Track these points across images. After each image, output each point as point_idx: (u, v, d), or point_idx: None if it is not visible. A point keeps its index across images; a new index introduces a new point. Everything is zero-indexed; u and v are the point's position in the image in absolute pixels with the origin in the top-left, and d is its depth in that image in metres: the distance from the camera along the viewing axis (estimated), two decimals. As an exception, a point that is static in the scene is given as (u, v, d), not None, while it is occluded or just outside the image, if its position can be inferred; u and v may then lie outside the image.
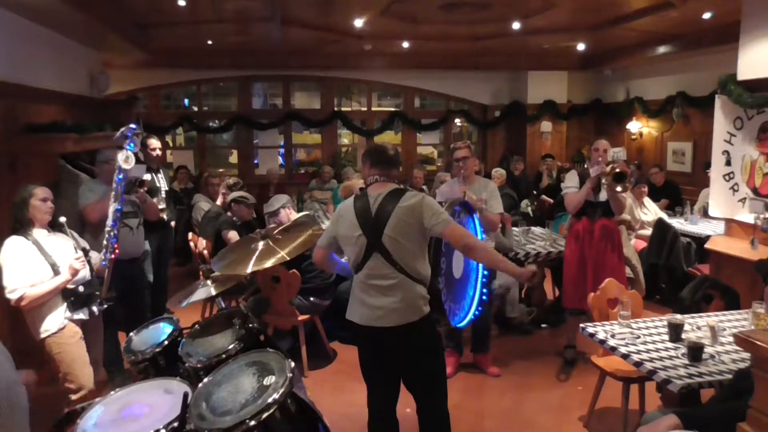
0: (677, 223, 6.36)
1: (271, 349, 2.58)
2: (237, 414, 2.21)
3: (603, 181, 4.30)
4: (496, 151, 10.50)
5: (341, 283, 5.02)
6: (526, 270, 2.82)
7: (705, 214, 6.35)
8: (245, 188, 6.16)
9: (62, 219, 3.38)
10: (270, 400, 2.20)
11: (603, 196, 4.44)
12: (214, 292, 3.37)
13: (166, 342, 3.01)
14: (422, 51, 8.83)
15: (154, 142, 5.58)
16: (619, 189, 4.26)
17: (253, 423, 2.14)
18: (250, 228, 5.41)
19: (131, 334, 3.18)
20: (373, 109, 10.57)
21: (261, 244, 3.49)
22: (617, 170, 4.21)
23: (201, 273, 3.83)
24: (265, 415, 2.16)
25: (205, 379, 2.50)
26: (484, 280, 3.42)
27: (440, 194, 4.41)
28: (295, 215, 5.10)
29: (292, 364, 2.40)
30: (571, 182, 4.63)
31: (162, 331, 3.17)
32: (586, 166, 4.67)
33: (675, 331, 3.12)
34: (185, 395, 2.24)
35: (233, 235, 5.20)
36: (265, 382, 2.33)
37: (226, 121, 9.70)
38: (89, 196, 4.16)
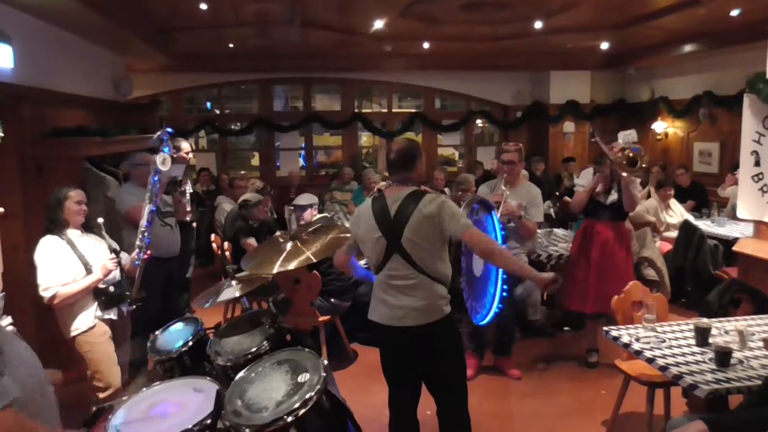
0: (704, 225, 6.23)
1: (302, 348, 2.64)
2: (274, 410, 2.29)
3: (613, 162, 4.22)
4: (517, 152, 10.40)
5: (361, 286, 5.02)
6: (546, 275, 2.79)
7: (732, 215, 6.22)
8: (271, 190, 6.18)
9: (100, 220, 3.45)
10: (307, 396, 2.29)
11: (612, 198, 4.37)
12: (238, 293, 3.39)
13: (191, 341, 3.04)
14: (442, 52, 8.80)
15: (186, 146, 5.68)
16: (624, 173, 4.21)
17: (290, 419, 2.23)
18: (268, 227, 5.46)
19: (156, 333, 3.23)
20: (393, 110, 10.57)
21: (289, 245, 3.49)
22: (630, 155, 4.15)
23: (224, 274, 3.86)
24: (302, 411, 2.25)
25: (237, 377, 2.57)
26: (504, 276, 3.40)
27: (480, 193, 4.38)
28: (317, 217, 5.14)
29: (325, 361, 2.46)
30: (584, 180, 4.56)
31: (186, 330, 3.20)
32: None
33: (702, 336, 3.05)
34: (218, 393, 2.29)
35: (252, 241, 5.26)
36: (299, 380, 2.42)
37: (248, 123, 9.78)
38: (130, 199, 4.23)
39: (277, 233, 3.78)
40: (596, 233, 4.43)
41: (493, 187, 4.45)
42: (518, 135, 10.41)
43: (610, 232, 4.42)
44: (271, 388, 2.41)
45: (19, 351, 1.71)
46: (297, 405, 2.25)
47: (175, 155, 5.70)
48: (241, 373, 2.57)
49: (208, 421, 2.21)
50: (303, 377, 2.41)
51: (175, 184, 4.55)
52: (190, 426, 2.19)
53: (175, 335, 3.20)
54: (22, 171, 4.20)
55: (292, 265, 3.28)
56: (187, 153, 5.60)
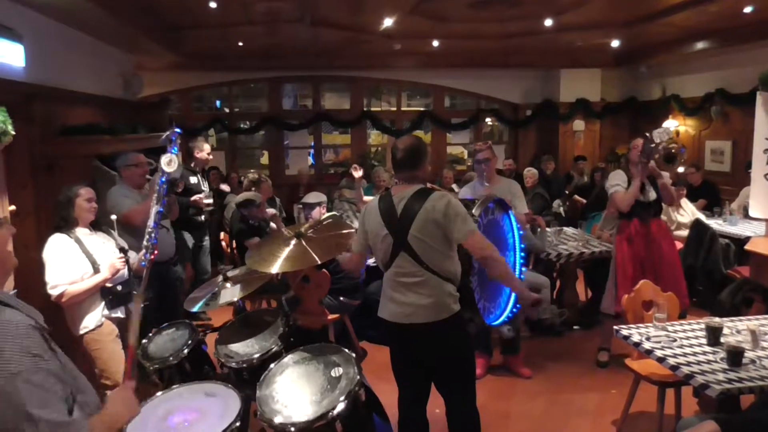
0: (715, 224, 6.18)
1: (324, 343, 2.65)
2: (317, 406, 2.30)
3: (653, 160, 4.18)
4: (527, 150, 10.37)
5: (371, 284, 5.02)
6: (532, 296, 2.81)
7: (745, 213, 6.16)
8: (261, 183, 6.16)
9: (113, 217, 3.45)
10: (349, 389, 2.32)
11: (652, 195, 4.34)
12: (239, 295, 3.37)
13: (191, 347, 3.03)
14: (452, 50, 8.78)
15: (207, 147, 5.72)
16: (669, 174, 4.19)
17: (337, 412, 2.25)
18: (269, 223, 5.48)
19: (143, 341, 3.20)
20: (402, 109, 10.56)
21: (293, 243, 3.47)
22: (672, 151, 4.12)
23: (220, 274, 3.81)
24: (346, 403, 2.28)
25: (264, 378, 2.55)
26: (522, 277, 3.39)
27: (462, 195, 4.37)
28: (326, 216, 5.13)
29: (353, 354, 2.46)
30: (618, 180, 4.48)
31: (180, 336, 3.18)
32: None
33: (713, 335, 3.03)
34: (246, 396, 2.27)
35: (256, 241, 5.25)
36: (333, 374, 2.43)
37: (257, 122, 9.80)
38: (126, 202, 4.13)
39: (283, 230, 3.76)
40: (645, 233, 4.36)
41: (473, 188, 4.45)
42: (528, 133, 10.38)
43: (655, 229, 4.39)
44: (304, 385, 2.43)
45: (82, 376, 1.74)
46: (341, 398, 2.29)
47: (197, 155, 5.79)
48: (268, 373, 2.57)
49: (238, 424, 2.22)
50: (336, 371, 2.43)
51: (171, 185, 4.53)
52: (222, 428, 2.17)
53: (168, 341, 3.18)
54: (33, 169, 4.23)
55: (294, 265, 3.26)
56: (208, 154, 5.65)
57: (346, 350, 2.55)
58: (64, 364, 1.64)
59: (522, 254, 3.49)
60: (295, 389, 2.42)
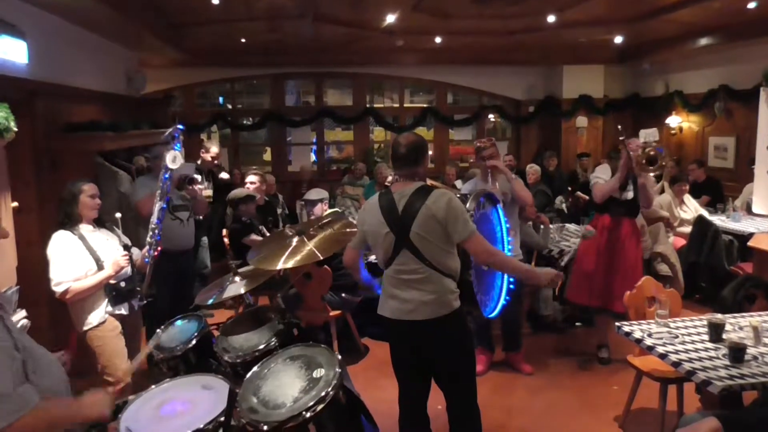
0: (718, 220, 6.16)
1: (314, 343, 2.63)
2: (291, 406, 2.26)
3: (634, 164, 4.22)
4: (530, 147, 10.35)
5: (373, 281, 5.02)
6: (547, 272, 2.89)
7: (748, 209, 6.15)
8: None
9: (117, 215, 3.47)
10: (324, 392, 2.27)
11: (629, 195, 4.35)
12: (243, 290, 3.39)
13: (197, 338, 3.05)
14: (454, 46, 8.76)
15: (215, 150, 5.73)
16: (651, 174, 4.24)
17: (309, 415, 2.21)
18: (261, 216, 5.49)
19: (158, 330, 3.23)
20: (405, 105, 10.54)
21: (295, 240, 3.49)
22: (651, 153, 4.15)
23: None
24: (320, 407, 2.23)
25: (250, 374, 2.54)
26: None
27: (464, 191, 4.39)
28: (328, 212, 5.14)
29: (339, 356, 2.45)
30: (602, 173, 4.59)
31: (189, 327, 3.20)
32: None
33: (716, 331, 3.03)
34: (231, 390, 2.27)
35: (253, 237, 5.26)
36: (314, 375, 2.39)
37: (260, 118, 9.81)
38: (142, 191, 4.27)
39: (287, 228, 3.78)
40: (609, 228, 4.42)
41: (476, 184, 4.46)
42: (530, 130, 10.36)
43: (623, 228, 4.41)
44: (285, 385, 2.40)
45: (46, 357, 1.79)
46: (315, 401, 2.24)
47: (202, 154, 5.83)
48: (254, 370, 2.56)
49: (222, 419, 2.21)
50: (318, 373, 2.39)
51: (184, 182, 4.57)
52: (202, 425, 2.17)
53: (179, 333, 3.20)
54: (36, 166, 4.24)
55: (297, 261, 3.27)
56: (212, 158, 5.66)
57: (332, 352, 2.53)
58: (23, 344, 1.71)
59: (509, 247, 3.54)
60: (275, 388, 2.39)
